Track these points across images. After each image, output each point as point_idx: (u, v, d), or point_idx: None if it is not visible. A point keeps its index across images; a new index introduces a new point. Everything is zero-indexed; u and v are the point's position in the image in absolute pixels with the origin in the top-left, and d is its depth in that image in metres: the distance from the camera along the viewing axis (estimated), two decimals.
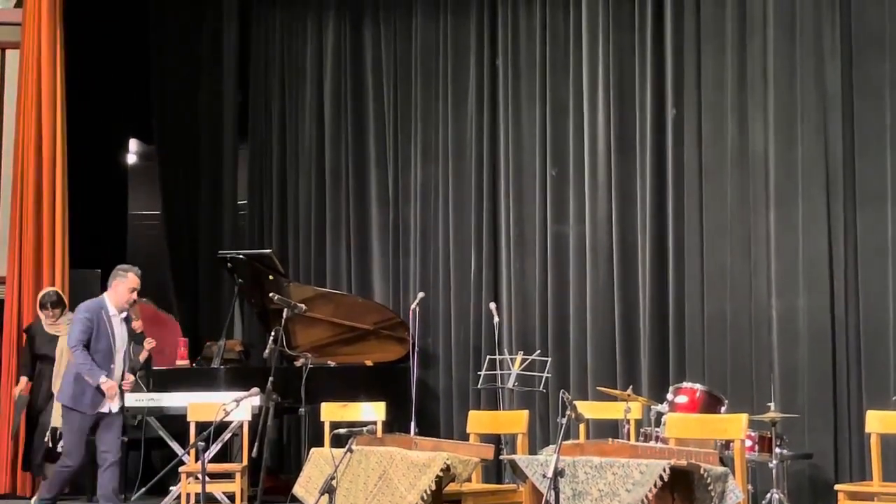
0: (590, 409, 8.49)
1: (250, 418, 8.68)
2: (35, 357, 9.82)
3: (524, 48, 10.62)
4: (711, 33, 9.74)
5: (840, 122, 9.18)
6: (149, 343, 9.31)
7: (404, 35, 11.27)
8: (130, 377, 8.51)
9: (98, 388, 8.15)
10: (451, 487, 6.97)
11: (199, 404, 8.83)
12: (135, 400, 9.49)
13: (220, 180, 11.92)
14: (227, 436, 9.22)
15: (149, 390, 9.60)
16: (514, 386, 8.90)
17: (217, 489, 8.80)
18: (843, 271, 9.10)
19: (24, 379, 9.81)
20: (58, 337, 9.60)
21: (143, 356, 9.28)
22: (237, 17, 11.98)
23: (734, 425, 7.25)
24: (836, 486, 7.53)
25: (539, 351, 9.31)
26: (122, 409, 8.36)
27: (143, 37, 12.03)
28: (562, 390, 6.68)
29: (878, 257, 8.98)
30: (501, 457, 7.60)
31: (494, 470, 9.57)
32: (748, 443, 7.85)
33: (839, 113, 9.18)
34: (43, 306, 9.69)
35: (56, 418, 9.26)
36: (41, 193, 10.14)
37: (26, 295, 10.10)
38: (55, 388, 9.12)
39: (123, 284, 8.33)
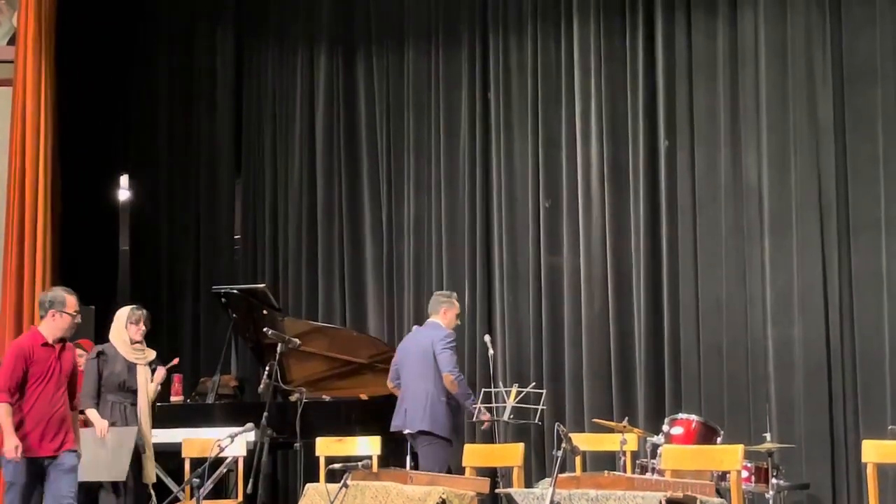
0: (585, 442, 8.48)
1: (245, 454, 8.64)
2: None
3: (516, 81, 10.64)
4: (703, 64, 9.78)
5: (833, 152, 9.21)
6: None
7: (396, 69, 11.29)
8: None
9: None
10: None
11: (194, 440, 8.79)
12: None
13: (217, 215, 11.90)
14: (222, 472, 9.11)
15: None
16: (509, 419, 8.87)
17: None
18: (837, 300, 9.11)
19: None
20: None
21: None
22: (233, 53, 12.00)
23: (730, 456, 7.23)
24: None
25: (534, 383, 9.29)
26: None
27: (135, 72, 12.04)
28: (557, 423, 6.68)
29: (873, 286, 8.99)
30: (497, 490, 7.56)
31: None
32: (745, 473, 7.82)
33: (832, 142, 9.22)
34: None
35: None
36: (27, 230, 10.07)
37: (9, 331, 10.03)
38: None
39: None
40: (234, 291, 10.14)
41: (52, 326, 7.46)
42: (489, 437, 9.52)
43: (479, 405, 8.74)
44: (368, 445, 8.66)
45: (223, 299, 10.14)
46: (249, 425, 7.49)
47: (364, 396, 10.28)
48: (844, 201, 9.18)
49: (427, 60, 11.13)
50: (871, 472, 7.33)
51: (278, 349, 8.48)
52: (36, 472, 7.34)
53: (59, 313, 7.44)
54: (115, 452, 8.21)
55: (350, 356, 10.38)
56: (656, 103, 9.93)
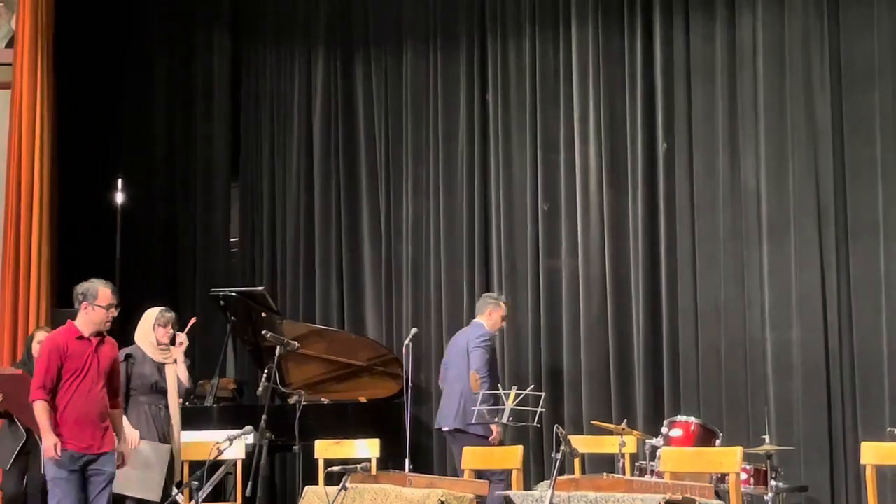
0: (584, 444, 8.49)
1: (244, 457, 8.63)
2: None
3: (514, 83, 10.65)
4: (701, 67, 9.78)
5: (831, 154, 9.22)
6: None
7: (395, 71, 11.29)
8: None
9: None
10: None
11: (193, 443, 8.75)
12: None
13: (214, 218, 11.90)
14: (220, 475, 9.15)
15: None
16: (508, 421, 8.86)
17: None
18: (836, 303, 9.11)
19: None
20: None
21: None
22: (229, 56, 12.00)
23: (729, 458, 7.23)
24: None
25: (533, 386, 9.27)
26: None
27: (132, 76, 12.04)
28: (556, 425, 6.67)
29: (871, 289, 9.00)
30: (496, 493, 7.56)
31: None
32: (743, 476, 7.83)
33: (830, 145, 9.22)
34: None
35: None
36: (23, 233, 10.07)
37: (7, 335, 10.02)
38: None
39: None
40: (233, 294, 10.14)
41: (85, 320, 7.25)
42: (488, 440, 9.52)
43: (497, 425, 8.70)
44: (367, 448, 8.66)
45: (221, 302, 10.14)
46: (248, 428, 7.50)
47: (363, 399, 10.29)
48: (842, 204, 9.18)
49: (425, 64, 11.13)
50: (869, 475, 7.34)
51: (277, 352, 8.47)
52: (78, 468, 7.11)
53: (91, 306, 7.23)
54: (147, 469, 8.02)
55: (348, 359, 10.39)
56: (654, 106, 9.94)
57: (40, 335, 8.49)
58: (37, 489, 8.45)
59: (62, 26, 10.45)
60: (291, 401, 9.39)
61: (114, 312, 7.32)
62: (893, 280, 8.91)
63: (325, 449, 8.66)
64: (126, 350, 8.48)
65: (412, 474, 7.49)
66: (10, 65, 10.36)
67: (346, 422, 9.78)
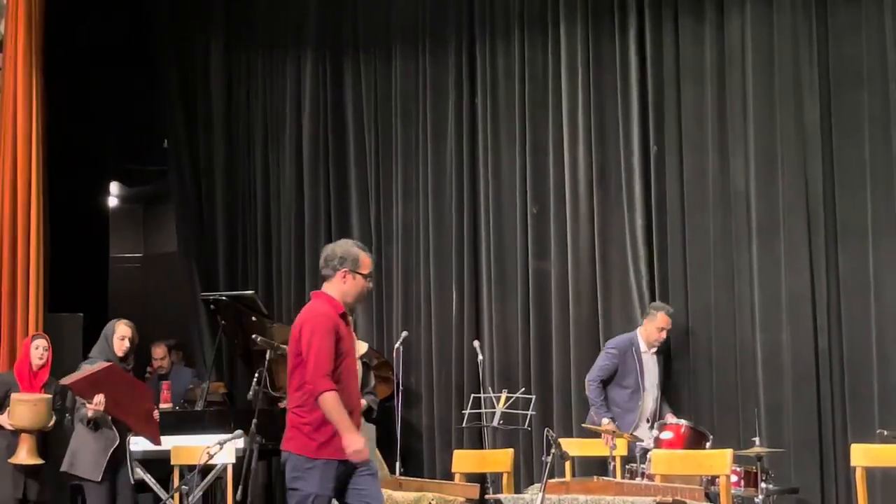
0: (575, 447, 8.48)
1: (234, 461, 8.63)
2: None
3: (503, 87, 10.65)
4: (690, 69, 9.79)
5: (820, 156, 9.22)
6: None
7: (384, 75, 11.29)
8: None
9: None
10: None
11: (183, 447, 8.75)
12: None
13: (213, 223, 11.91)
14: (211, 479, 9.16)
15: None
16: (498, 424, 8.88)
17: None
18: (825, 305, 9.12)
19: None
20: None
21: None
22: (222, 60, 11.99)
23: (720, 461, 7.25)
24: None
25: (523, 389, 9.30)
26: None
27: (124, 80, 12.05)
28: (546, 428, 6.68)
29: (860, 290, 9.00)
30: (487, 496, 7.58)
31: None
32: (734, 478, 7.83)
33: (819, 147, 9.23)
34: None
35: None
36: (17, 237, 10.04)
37: (5, 339, 9.99)
38: None
39: None
40: (223, 298, 10.13)
41: (342, 290, 6.07)
42: (478, 443, 9.54)
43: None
44: None
45: (212, 306, 10.13)
46: (238, 432, 7.49)
47: None
48: (832, 206, 9.19)
49: (414, 67, 11.14)
50: (859, 476, 7.35)
51: (267, 356, 8.47)
52: (342, 478, 6.03)
53: (351, 273, 6.06)
54: None
55: None
56: (643, 109, 9.93)
57: (123, 330, 8.07)
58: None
59: (53, 29, 10.44)
60: (282, 405, 9.37)
61: (370, 285, 6.22)
62: (882, 281, 8.92)
63: None
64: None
65: (403, 477, 7.50)
66: (0, 68, 10.35)
67: None
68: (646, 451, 8.21)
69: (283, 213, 11.61)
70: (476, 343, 9.79)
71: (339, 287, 6.06)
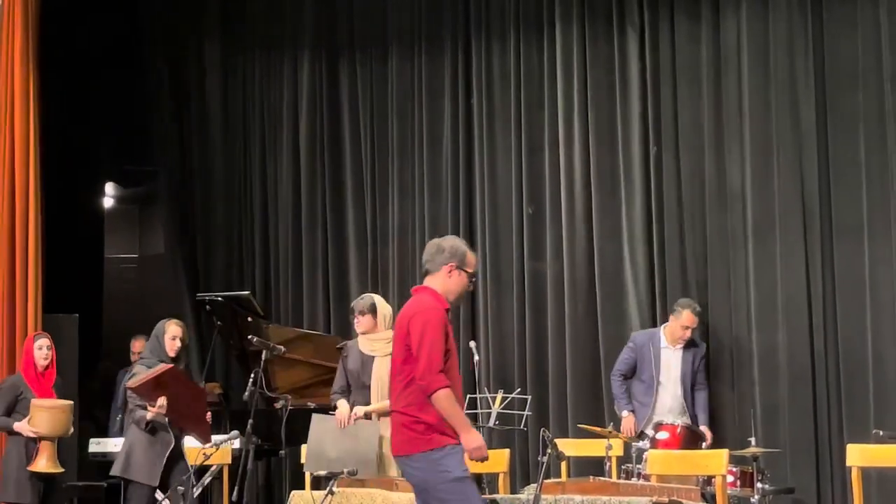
0: (571, 447, 8.48)
1: (230, 461, 8.62)
2: None
3: (499, 87, 10.65)
4: (686, 69, 9.80)
5: (815, 156, 9.24)
6: None
7: (380, 76, 11.28)
8: None
9: None
10: None
11: None
12: (113, 445, 9.48)
13: (209, 223, 11.91)
14: (207, 479, 9.12)
15: None
16: (494, 425, 8.86)
17: None
18: (821, 305, 9.14)
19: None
20: None
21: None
22: (219, 60, 11.99)
23: (716, 461, 7.25)
24: None
25: (519, 389, 9.28)
26: None
27: (120, 81, 12.05)
28: (542, 428, 6.68)
29: (856, 290, 9.02)
30: (483, 496, 7.56)
31: None
32: (730, 478, 7.84)
33: (814, 146, 9.25)
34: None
35: None
36: (14, 238, 10.03)
37: (4, 341, 9.97)
38: None
39: None
40: (219, 299, 10.12)
41: (445, 286, 5.92)
42: None
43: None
44: None
45: (208, 307, 10.12)
46: (234, 433, 7.48)
47: None
48: (827, 206, 9.21)
49: (410, 68, 11.13)
50: (855, 476, 7.35)
51: (263, 356, 8.45)
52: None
53: (457, 270, 5.92)
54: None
55: (335, 363, 10.35)
56: (639, 109, 9.94)
57: (174, 330, 8.04)
58: None
59: (49, 31, 10.43)
60: (278, 405, 9.36)
61: (471, 287, 6.10)
62: (878, 281, 8.94)
63: None
64: (345, 342, 8.57)
65: (399, 479, 7.48)
66: None
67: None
68: (642, 451, 8.21)
69: (281, 213, 11.60)
70: (472, 343, 9.76)
71: (444, 282, 5.92)
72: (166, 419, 7.73)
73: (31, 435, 8.28)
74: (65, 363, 9.79)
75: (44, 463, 8.27)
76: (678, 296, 9.59)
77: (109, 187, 12.77)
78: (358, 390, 8.10)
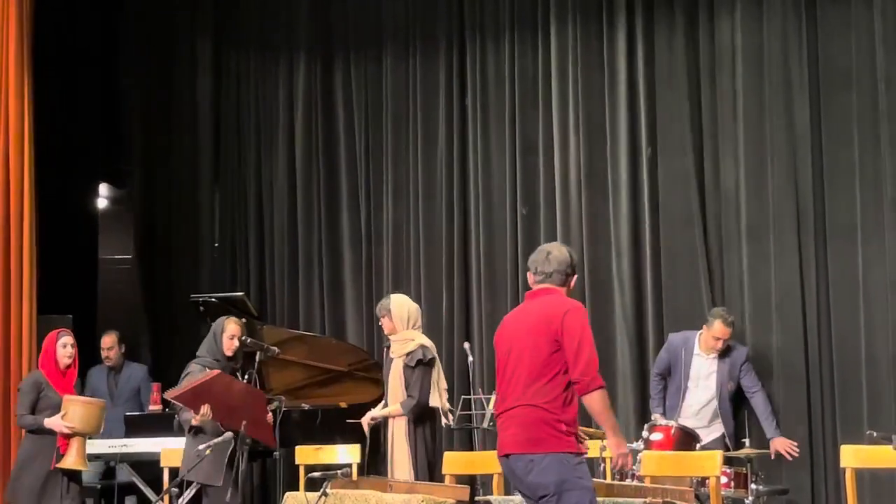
0: None
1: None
2: None
3: (493, 88, 10.65)
4: (681, 71, 9.79)
5: (809, 158, 9.24)
6: None
7: (374, 77, 11.28)
8: None
9: None
10: None
11: (173, 450, 8.74)
12: (108, 446, 9.47)
13: (197, 224, 11.89)
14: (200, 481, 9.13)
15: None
16: (488, 426, 8.86)
17: None
18: (815, 306, 9.14)
19: None
20: None
21: None
22: (211, 60, 11.98)
23: (709, 462, 7.25)
24: None
25: None
26: None
27: (114, 80, 12.04)
28: None
29: (849, 291, 9.02)
30: (477, 498, 7.56)
31: None
32: (724, 479, 7.84)
33: (808, 147, 9.25)
34: None
35: None
36: (9, 239, 10.01)
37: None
38: None
39: None
40: (213, 300, 10.12)
41: (566, 293, 6.08)
42: (469, 445, 9.53)
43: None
44: (348, 453, 8.65)
45: (201, 308, 10.12)
46: (228, 434, 7.47)
47: (343, 404, 10.26)
48: (821, 207, 9.21)
49: (405, 68, 11.13)
50: (849, 477, 7.35)
51: (257, 357, 8.45)
52: None
53: (572, 278, 6.14)
54: None
55: (329, 364, 10.37)
56: (634, 110, 9.95)
57: (233, 328, 7.94)
58: None
59: (43, 30, 10.41)
60: (272, 406, 9.35)
61: None
62: (871, 282, 8.93)
63: (305, 455, 8.65)
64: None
65: (393, 480, 7.48)
66: None
67: (327, 427, 9.76)
68: (636, 452, 8.20)
69: (276, 213, 11.60)
70: (466, 345, 9.77)
71: (567, 291, 6.04)
72: (218, 424, 7.57)
73: (66, 431, 8.05)
74: None
75: (73, 459, 8.05)
76: (671, 298, 9.61)
77: (104, 188, 12.74)
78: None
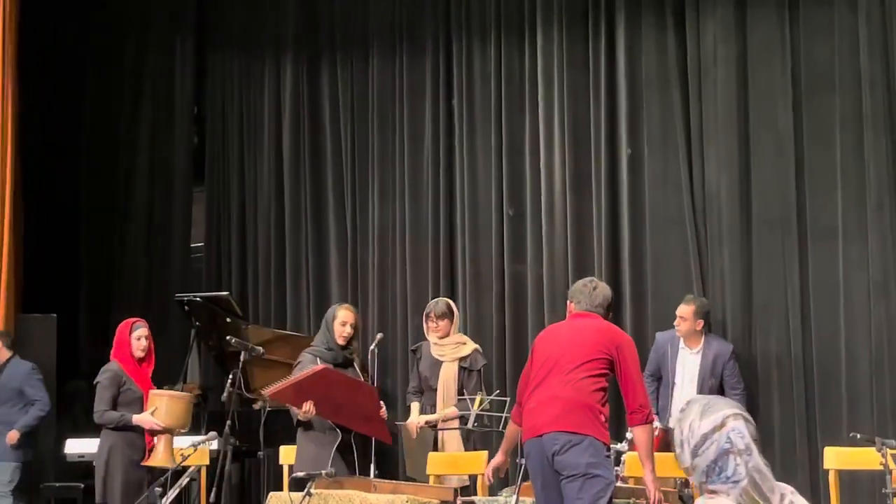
0: None
1: (208, 462, 8.61)
2: None
3: (479, 89, 10.67)
4: (665, 73, 9.82)
5: (792, 160, 9.27)
6: None
7: (361, 77, 11.29)
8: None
9: None
10: None
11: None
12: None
13: (170, 225, 11.88)
14: (184, 481, 9.08)
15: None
16: (473, 426, 8.86)
17: None
18: (799, 309, 9.16)
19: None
20: None
21: None
22: (192, 58, 11.97)
23: None
24: None
25: (498, 391, 9.28)
26: None
27: (95, 77, 12.03)
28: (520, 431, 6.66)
29: (831, 293, 9.05)
30: (461, 499, 7.56)
31: None
32: None
33: (791, 150, 9.27)
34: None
35: None
36: None
37: None
38: None
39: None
40: (197, 299, 10.12)
41: None
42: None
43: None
44: None
45: (186, 307, 10.11)
46: (212, 434, 7.47)
47: None
48: (804, 210, 9.24)
49: (391, 69, 11.14)
50: (832, 479, 7.39)
51: (241, 357, 8.45)
52: None
53: (609, 314, 6.67)
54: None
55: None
56: (619, 112, 9.97)
57: (344, 315, 7.75)
58: None
59: (26, 25, 10.40)
60: (256, 406, 9.35)
61: None
62: (851, 285, 8.97)
63: (290, 454, 8.64)
64: (418, 344, 8.80)
65: (377, 480, 7.48)
66: None
67: None
68: (620, 453, 8.21)
69: (261, 214, 11.59)
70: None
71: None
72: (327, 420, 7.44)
73: (156, 428, 7.79)
74: (43, 363, 9.78)
75: (161, 456, 7.78)
76: (654, 301, 9.62)
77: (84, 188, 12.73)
78: (428, 392, 8.45)
